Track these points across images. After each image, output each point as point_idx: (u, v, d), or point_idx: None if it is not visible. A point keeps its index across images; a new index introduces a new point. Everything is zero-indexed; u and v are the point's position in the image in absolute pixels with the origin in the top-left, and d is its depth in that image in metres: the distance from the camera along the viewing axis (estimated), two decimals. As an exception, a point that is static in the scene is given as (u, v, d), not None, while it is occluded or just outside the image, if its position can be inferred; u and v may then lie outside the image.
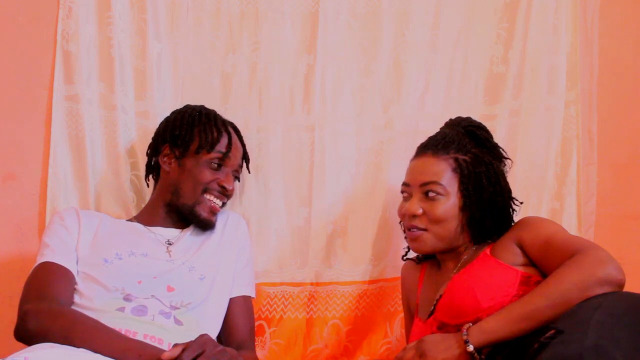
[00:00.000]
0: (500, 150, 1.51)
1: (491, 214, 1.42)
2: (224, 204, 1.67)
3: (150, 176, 1.73)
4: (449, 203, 1.42)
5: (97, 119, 1.77)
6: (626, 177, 1.83)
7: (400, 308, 1.75)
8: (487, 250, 1.39)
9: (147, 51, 1.82)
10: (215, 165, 1.62)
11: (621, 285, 1.16)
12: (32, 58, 1.77)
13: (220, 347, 1.24)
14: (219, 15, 1.87)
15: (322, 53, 1.85)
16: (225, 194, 1.63)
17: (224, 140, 1.64)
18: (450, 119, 1.57)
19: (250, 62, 1.86)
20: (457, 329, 1.25)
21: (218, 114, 1.70)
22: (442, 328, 1.34)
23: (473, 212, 1.42)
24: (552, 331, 1.04)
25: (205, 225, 1.62)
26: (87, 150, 1.75)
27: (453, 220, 1.42)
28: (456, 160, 1.43)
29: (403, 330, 1.73)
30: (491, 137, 1.52)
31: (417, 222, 1.44)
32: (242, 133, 1.76)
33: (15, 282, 1.44)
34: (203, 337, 1.23)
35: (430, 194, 1.42)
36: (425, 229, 1.44)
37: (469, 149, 1.45)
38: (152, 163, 1.70)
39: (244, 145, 1.73)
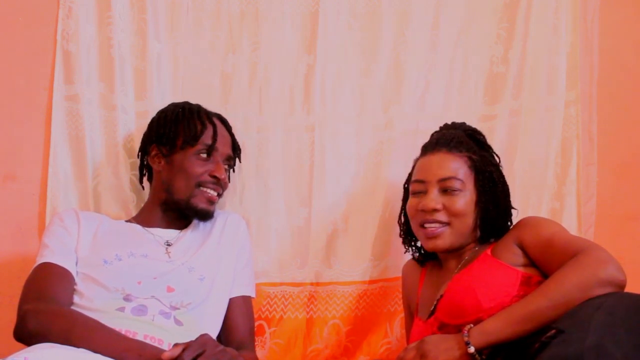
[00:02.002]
0: (496, 155, 1.54)
1: (503, 211, 1.44)
2: (219, 195, 1.66)
3: (145, 178, 1.73)
4: (467, 198, 1.42)
5: (97, 119, 1.77)
6: (626, 178, 1.83)
7: (401, 308, 1.75)
8: (488, 251, 1.40)
9: (147, 51, 1.82)
10: (204, 156, 1.61)
11: (622, 286, 1.16)
12: (32, 58, 1.77)
13: (221, 347, 1.24)
14: (219, 15, 1.87)
15: (322, 53, 1.85)
16: (219, 184, 1.63)
17: (208, 132, 1.63)
18: (446, 124, 1.59)
19: (250, 62, 1.86)
20: (458, 329, 1.25)
21: (202, 107, 1.69)
22: (443, 328, 1.34)
23: (488, 208, 1.43)
24: (553, 331, 1.04)
25: (204, 216, 1.62)
26: (87, 150, 1.75)
27: (471, 215, 1.43)
28: (470, 158, 1.45)
29: (403, 331, 1.73)
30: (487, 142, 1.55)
31: (439, 217, 1.43)
32: (242, 133, 1.76)
33: (16, 282, 1.44)
34: (203, 337, 1.23)
35: (450, 189, 1.43)
36: (448, 223, 1.43)
37: (476, 150, 1.48)
38: (145, 165, 1.70)
39: (232, 135, 1.72)
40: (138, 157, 1.72)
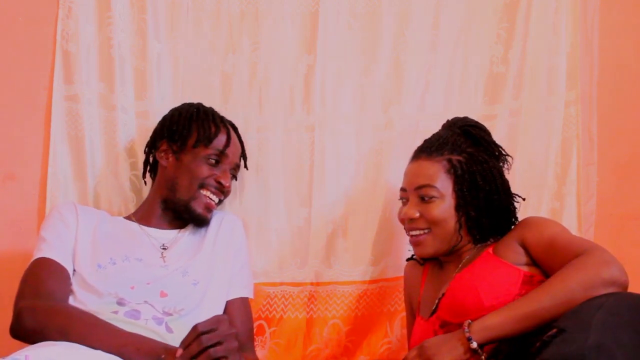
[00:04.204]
0: (499, 148, 1.52)
1: (488, 212, 1.43)
2: (220, 202, 1.66)
3: (148, 174, 1.73)
4: (444, 204, 1.43)
5: (97, 119, 1.77)
6: (626, 177, 1.83)
7: (401, 307, 1.75)
8: (490, 250, 1.40)
9: (147, 51, 1.82)
10: (213, 162, 1.61)
11: (625, 286, 1.17)
12: (32, 58, 1.77)
13: (233, 330, 1.23)
14: (219, 15, 1.87)
15: (322, 53, 1.85)
16: (222, 190, 1.62)
17: (222, 137, 1.63)
18: (448, 120, 1.58)
19: (250, 62, 1.86)
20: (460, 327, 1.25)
21: (216, 111, 1.71)
22: (445, 327, 1.35)
23: (469, 211, 1.43)
24: (554, 330, 1.04)
25: (200, 222, 1.62)
26: (86, 150, 1.75)
27: (450, 220, 1.43)
28: (449, 161, 1.44)
29: (403, 330, 1.73)
30: (488, 135, 1.53)
31: (417, 224, 1.45)
32: (242, 133, 1.76)
33: (15, 281, 1.43)
34: (218, 316, 1.23)
35: (426, 197, 1.43)
36: (428, 229, 1.44)
37: (463, 149, 1.46)
38: (150, 160, 1.70)
39: (242, 144, 1.73)
40: (145, 152, 1.72)
